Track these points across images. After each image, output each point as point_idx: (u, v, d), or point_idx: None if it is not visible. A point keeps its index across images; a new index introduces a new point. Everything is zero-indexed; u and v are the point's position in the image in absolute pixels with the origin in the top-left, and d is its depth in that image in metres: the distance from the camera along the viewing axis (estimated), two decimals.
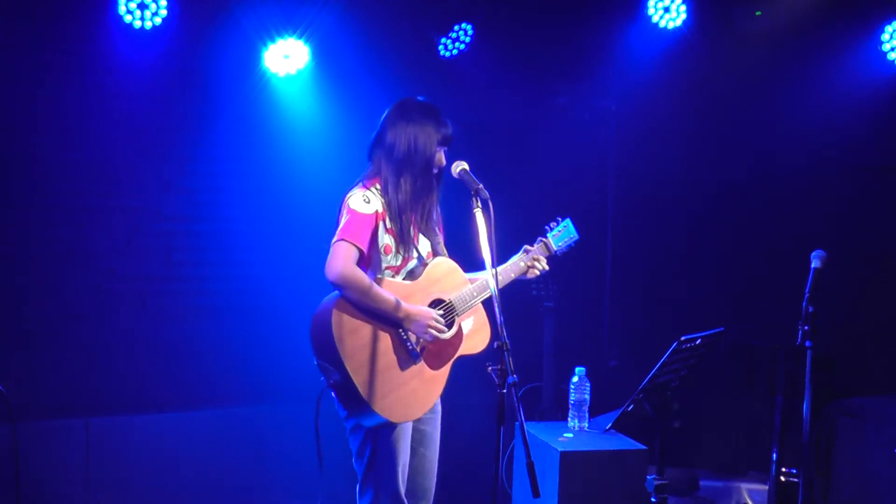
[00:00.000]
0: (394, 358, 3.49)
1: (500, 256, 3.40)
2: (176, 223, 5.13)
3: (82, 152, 4.90)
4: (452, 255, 3.70)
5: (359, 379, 3.40)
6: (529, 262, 3.78)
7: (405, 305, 3.48)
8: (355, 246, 3.45)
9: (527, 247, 3.83)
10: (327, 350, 3.41)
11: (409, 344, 3.51)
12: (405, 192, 3.55)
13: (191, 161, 5.15)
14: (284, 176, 5.36)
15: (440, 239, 3.71)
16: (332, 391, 3.48)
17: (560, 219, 3.91)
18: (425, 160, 3.54)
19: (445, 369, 3.57)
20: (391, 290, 3.50)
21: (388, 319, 3.47)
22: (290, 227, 5.23)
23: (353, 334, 3.43)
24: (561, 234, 3.89)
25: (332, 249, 3.45)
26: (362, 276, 3.44)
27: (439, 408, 3.72)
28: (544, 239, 3.86)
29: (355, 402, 3.43)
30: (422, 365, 3.53)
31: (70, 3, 4.77)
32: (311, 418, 4.11)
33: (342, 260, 3.42)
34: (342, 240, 3.45)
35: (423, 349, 3.54)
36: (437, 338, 3.51)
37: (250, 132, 5.30)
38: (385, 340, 3.48)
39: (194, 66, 5.02)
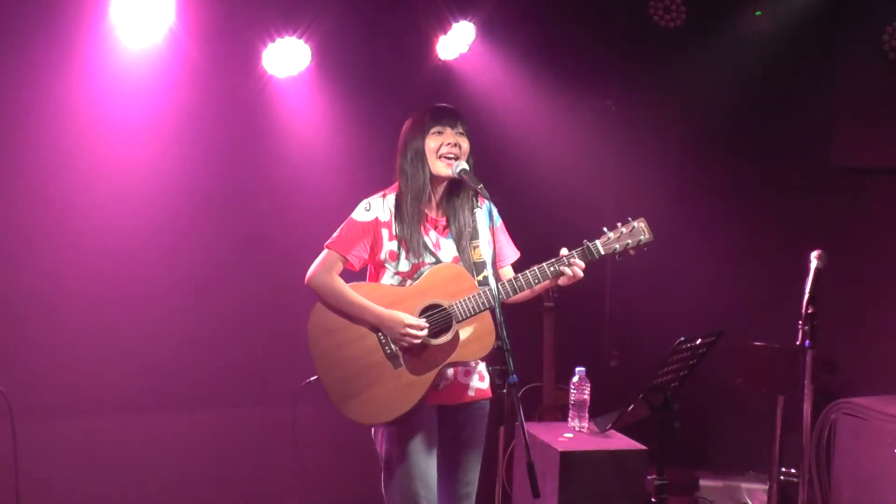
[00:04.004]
0: (369, 361, 3.50)
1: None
2: (175, 224, 5.12)
3: (81, 154, 4.89)
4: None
5: (327, 379, 3.49)
6: (562, 267, 3.49)
7: (378, 311, 3.48)
8: (337, 253, 3.54)
9: (563, 250, 3.52)
10: (308, 350, 3.52)
11: (387, 348, 3.50)
12: (405, 192, 3.56)
13: (190, 162, 5.14)
14: (285, 177, 5.35)
15: (478, 243, 3.59)
16: None
17: (630, 219, 3.57)
18: (414, 151, 3.56)
19: (430, 375, 3.50)
20: (378, 294, 3.51)
21: (366, 323, 3.51)
22: (291, 229, 5.23)
23: (328, 336, 3.51)
24: (623, 237, 3.54)
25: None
26: (333, 283, 3.51)
27: (481, 412, 3.66)
28: (588, 243, 3.53)
29: (330, 401, 3.50)
30: (401, 370, 3.50)
31: (66, 3, 4.75)
32: (312, 419, 4.12)
33: (317, 267, 3.55)
34: (326, 247, 3.57)
35: (404, 353, 3.50)
36: (412, 344, 3.47)
37: (250, 132, 5.29)
38: (362, 344, 3.50)
39: (194, 67, 5.01)
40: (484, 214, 3.45)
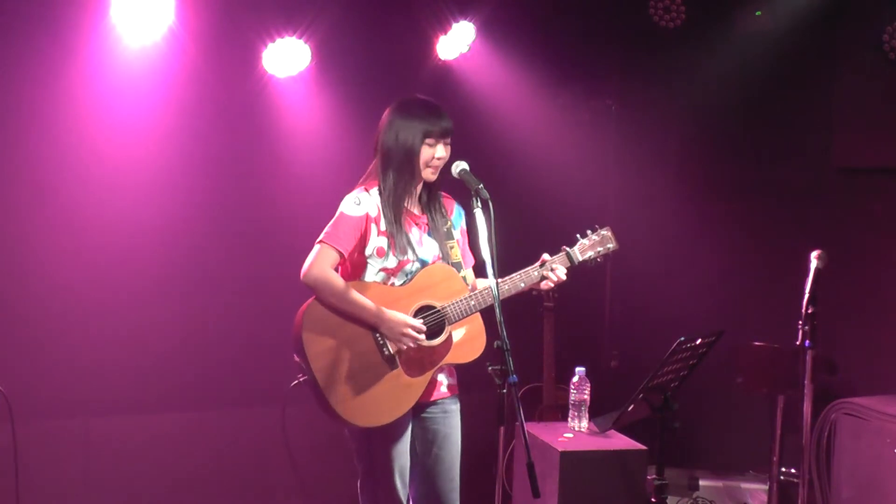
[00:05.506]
0: (366, 362, 3.46)
1: (501, 257, 3.39)
2: (174, 224, 5.12)
3: (81, 154, 4.88)
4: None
5: (323, 380, 3.41)
6: (545, 272, 3.64)
7: (380, 311, 3.45)
8: (334, 249, 3.47)
9: (545, 256, 3.68)
10: (299, 349, 3.44)
11: (385, 349, 3.48)
12: (390, 188, 3.55)
13: (189, 162, 5.14)
14: (284, 177, 5.35)
15: (454, 243, 3.66)
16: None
17: (598, 227, 3.76)
18: (405, 152, 3.53)
19: (425, 377, 3.52)
20: (372, 293, 3.48)
21: (364, 323, 3.47)
22: (290, 229, 5.22)
23: (323, 336, 3.44)
24: (595, 244, 3.75)
25: (312, 251, 3.49)
26: (334, 280, 3.45)
27: (454, 406, 3.69)
28: (567, 249, 3.71)
29: (321, 403, 3.44)
30: (398, 371, 3.49)
31: (67, 2, 4.75)
32: (306, 418, 4.11)
33: (315, 262, 3.45)
34: (321, 242, 3.48)
35: (400, 355, 3.50)
36: (411, 346, 3.47)
37: (250, 132, 5.29)
38: (359, 344, 3.46)
39: (194, 66, 5.01)
40: (483, 214, 3.47)
